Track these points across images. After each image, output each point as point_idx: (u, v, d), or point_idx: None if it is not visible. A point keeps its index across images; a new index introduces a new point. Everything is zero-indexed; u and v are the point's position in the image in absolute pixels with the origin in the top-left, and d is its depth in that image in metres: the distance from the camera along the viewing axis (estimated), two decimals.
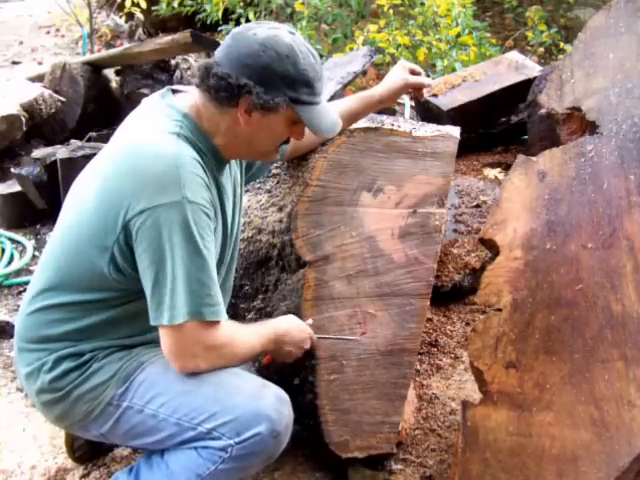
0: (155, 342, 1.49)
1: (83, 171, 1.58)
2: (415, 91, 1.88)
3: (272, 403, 1.47)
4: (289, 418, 1.50)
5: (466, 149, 3.64)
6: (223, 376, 1.48)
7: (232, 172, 1.67)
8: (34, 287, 1.56)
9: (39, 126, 4.28)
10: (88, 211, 1.45)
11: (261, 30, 1.45)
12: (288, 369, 1.85)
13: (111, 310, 1.50)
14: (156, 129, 1.46)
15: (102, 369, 1.50)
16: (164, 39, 4.30)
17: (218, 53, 1.47)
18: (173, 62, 4.80)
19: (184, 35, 4.04)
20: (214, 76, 1.43)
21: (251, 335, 1.55)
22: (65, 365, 1.50)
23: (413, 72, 1.85)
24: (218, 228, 1.54)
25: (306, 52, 1.46)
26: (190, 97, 1.53)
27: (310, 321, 1.73)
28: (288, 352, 1.64)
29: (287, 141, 1.61)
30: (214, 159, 1.52)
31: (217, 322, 1.44)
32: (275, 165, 1.93)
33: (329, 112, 1.54)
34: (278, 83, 1.43)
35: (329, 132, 1.54)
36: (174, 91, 1.58)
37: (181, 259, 1.37)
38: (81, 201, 1.50)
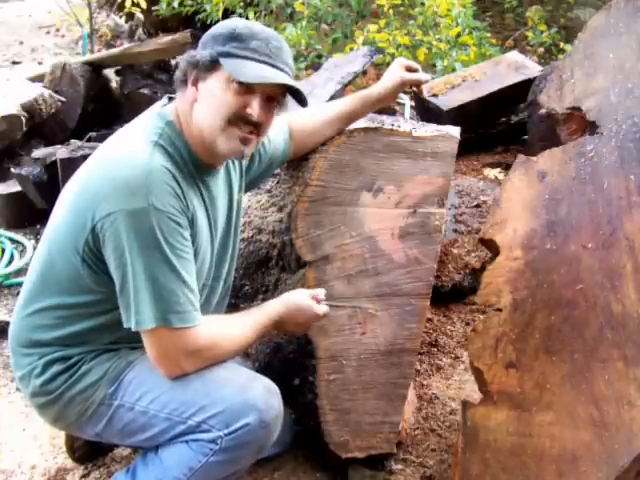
0: (141, 345, 1.49)
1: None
2: (415, 87, 1.88)
3: (261, 394, 1.48)
4: (278, 409, 1.51)
5: (466, 149, 3.63)
6: (211, 370, 1.49)
7: (229, 177, 1.68)
8: (24, 290, 1.58)
9: (39, 126, 4.27)
10: (65, 212, 1.48)
11: None
12: (288, 368, 1.85)
13: (96, 318, 1.51)
14: (134, 137, 1.47)
15: (91, 370, 1.51)
16: (164, 39, 4.32)
17: None
18: (173, 62, 4.80)
19: (184, 35, 4.06)
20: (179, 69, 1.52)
21: (242, 326, 1.55)
22: (54, 368, 1.51)
23: (410, 69, 1.84)
24: (200, 235, 1.53)
25: (249, 22, 1.49)
26: (175, 103, 1.55)
27: (323, 291, 1.68)
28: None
29: (257, 131, 1.50)
30: (195, 167, 1.52)
31: (191, 327, 1.43)
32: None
33: (264, 69, 1.44)
34: (210, 42, 1.47)
35: (253, 79, 1.42)
36: (172, 98, 1.59)
37: (145, 265, 1.37)
38: (62, 204, 1.52)
